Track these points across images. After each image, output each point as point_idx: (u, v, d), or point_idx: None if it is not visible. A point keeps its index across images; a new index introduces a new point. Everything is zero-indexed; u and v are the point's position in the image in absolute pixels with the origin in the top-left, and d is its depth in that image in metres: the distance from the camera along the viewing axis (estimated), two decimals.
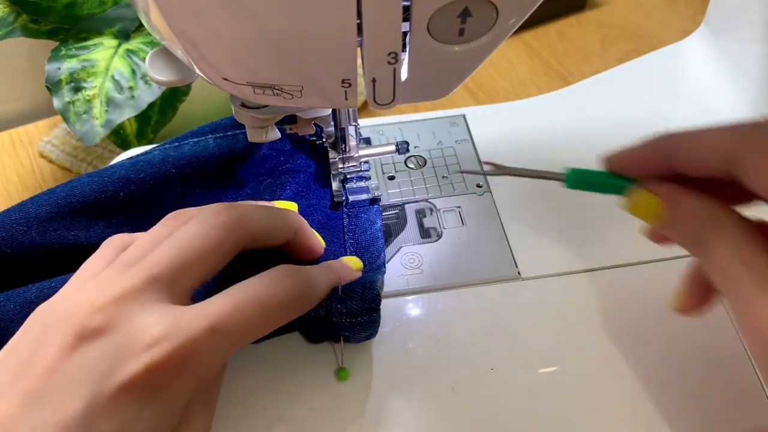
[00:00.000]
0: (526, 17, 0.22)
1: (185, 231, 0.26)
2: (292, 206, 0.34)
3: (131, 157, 0.36)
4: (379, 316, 0.30)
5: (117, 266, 0.26)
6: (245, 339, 0.25)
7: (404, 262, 0.34)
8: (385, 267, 0.33)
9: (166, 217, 0.29)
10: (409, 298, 0.33)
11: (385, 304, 0.32)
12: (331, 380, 0.30)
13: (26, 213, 0.32)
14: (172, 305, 0.25)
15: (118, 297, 0.24)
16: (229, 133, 0.37)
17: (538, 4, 0.21)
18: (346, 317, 0.29)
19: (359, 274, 0.32)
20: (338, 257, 0.32)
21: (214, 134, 0.37)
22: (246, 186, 0.37)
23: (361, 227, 0.35)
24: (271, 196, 0.36)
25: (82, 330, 0.23)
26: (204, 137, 0.37)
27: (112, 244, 0.28)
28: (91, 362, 0.23)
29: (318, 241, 0.33)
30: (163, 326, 0.23)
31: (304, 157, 0.38)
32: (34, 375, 0.23)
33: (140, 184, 0.34)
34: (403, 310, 0.33)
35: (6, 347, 0.25)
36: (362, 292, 0.29)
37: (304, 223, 0.32)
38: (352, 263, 0.32)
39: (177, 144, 0.36)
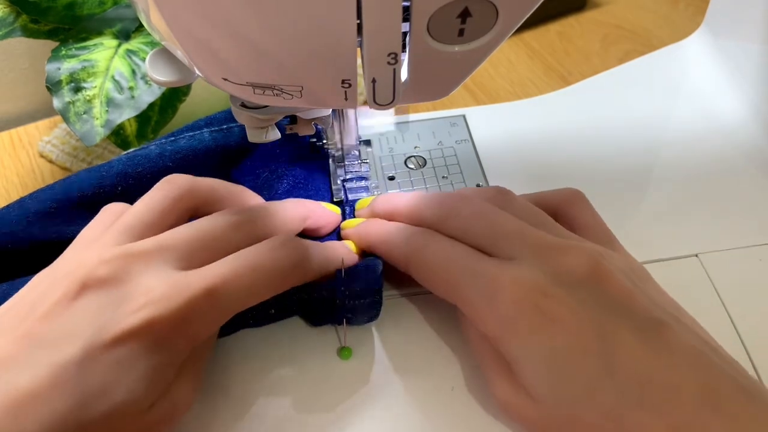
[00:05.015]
0: (526, 17, 0.22)
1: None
2: (334, 208, 0.35)
3: (128, 152, 0.36)
4: (381, 298, 0.30)
5: (116, 229, 0.27)
6: (241, 303, 0.26)
7: None
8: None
9: (162, 180, 0.29)
10: (409, 297, 0.33)
11: (385, 304, 0.32)
12: (334, 358, 0.31)
13: (26, 209, 0.33)
14: (176, 270, 0.26)
15: (127, 254, 0.25)
16: (224, 126, 0.37)
17: (538, 4, 0.21)
18: (349, 299, 0.29)
19: (357, 258, 0.32)
20: None
21: (209, 128, 0.37)
22: (243, 180, 0.37)
23: None
24: (269, 191, 0.36)
25: (87, 279, 0.24)
26: (200, 131, 0.37)
27: (110, 210, 0.29)
28: (92, 310, 0.24)
29: (333, 214, 0.34)
30: (165, 286, 0.24)
31: (299, 149, 0.38)
32: (35, 319, 0.24)
33: (138, 178, 0.35)
34: (403, 310, 0.33)
35: (9, 301, 0.26)
36: (365, 274, 0.30)
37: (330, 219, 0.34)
38: (351, 245, 0.32)
39: (173, 138, 0.37)
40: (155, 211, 0.28)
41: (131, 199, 0.34)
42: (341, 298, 0.29)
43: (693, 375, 0.23)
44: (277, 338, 0.31)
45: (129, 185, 0.34)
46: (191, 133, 0.37)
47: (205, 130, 0.37)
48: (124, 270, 0.25)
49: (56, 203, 0.33)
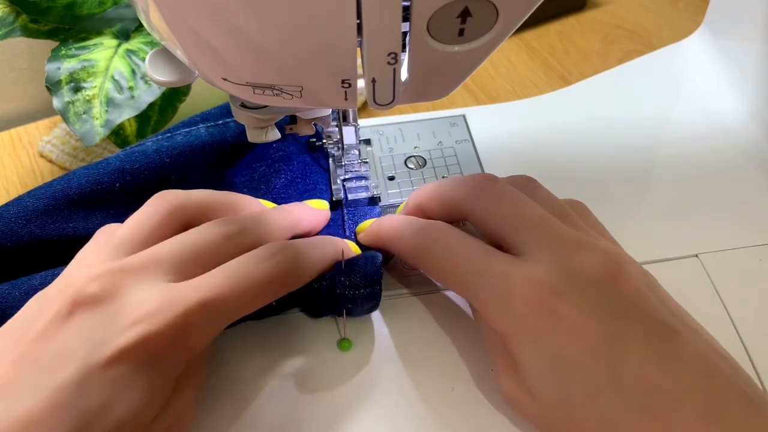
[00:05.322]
0: (526, 17, 0.22)
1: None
2: (322, 205, 0.35)
3: (125, 149, 0.36)
4: (381, 288, 0.30)
5: (107, 247, 0.27)
6: (235, 313, 0.26)
7: (404, 262, 0.34)
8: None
9: (153, 196, 0.29)
10: (410, 298, 0.33)
11: (385, 304, 0.32)
12: (334, 350, 0.31)
13: (24, 207, 0.33)
14: (168, 283, 0.25)
15: (118, 270, 0.25)
16: (220, 122, 0.38)
17: (539, 4, 0.21)
18: (349, 289, 0.29)
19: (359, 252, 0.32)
20: None
21: (205, 123, 0.37)
22: (240, 174, 0.37)
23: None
24: (267, 186, 0.36)
25: (79, 297, 0.24)
26: (195, 127, 0.37)
27: (104, 232, 0.29)
28: (85, 330, 0.23)
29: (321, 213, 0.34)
30: (158, 300, 0.24)
31: (295, 144, 0.38)
32: (29, 341, 0.23)
33: (135, 175, 0.35)
34: (403, 310, 0.33)
35: (5, 325, 0.26)
36: (364, 265, 0.30)
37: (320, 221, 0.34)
38: (352, 248, 0.33)
39: (169, 134, 0.37)
40: (146, 227, 0.28)
41: (129, 196, 0.35)
42: (341, 288, 0.29)
43: (699, 386, 0.23)
44: (277, 330, 0.32)
45: (126, 182, 0.35)
46: (187, 129, 0.37)
47: (201, 125, 0.37)
48: (114, 285, 0.24)
49: (54, 200, 0.33)
